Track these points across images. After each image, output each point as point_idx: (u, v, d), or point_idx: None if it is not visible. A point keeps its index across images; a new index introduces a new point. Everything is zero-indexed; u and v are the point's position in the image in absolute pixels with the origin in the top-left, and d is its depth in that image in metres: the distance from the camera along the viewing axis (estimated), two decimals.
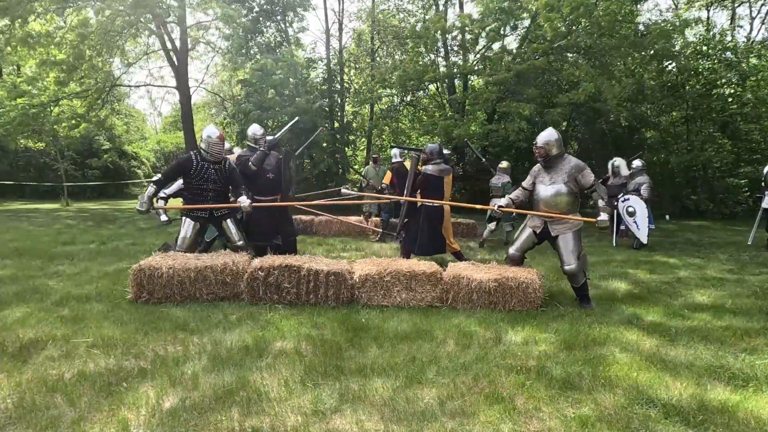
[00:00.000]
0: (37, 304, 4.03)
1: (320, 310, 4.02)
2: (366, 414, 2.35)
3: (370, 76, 17.53)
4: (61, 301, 4.11)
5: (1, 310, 3.81)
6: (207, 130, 4.85)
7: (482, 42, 14.77)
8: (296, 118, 7.46)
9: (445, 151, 6.54)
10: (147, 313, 3.79)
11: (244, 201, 4.77)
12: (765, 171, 8.49)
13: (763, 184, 8.64)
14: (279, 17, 17.56)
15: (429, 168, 5.75)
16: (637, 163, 8.50)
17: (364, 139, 19.71)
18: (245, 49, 17.11)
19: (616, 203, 7.47)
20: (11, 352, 2.98)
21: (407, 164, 7.64)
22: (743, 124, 15.28)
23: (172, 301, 4.12)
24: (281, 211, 5.51)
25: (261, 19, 17.25)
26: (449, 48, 16.47)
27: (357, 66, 20.08)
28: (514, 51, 14.53)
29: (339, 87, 17.71)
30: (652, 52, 13.61)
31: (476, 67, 14.93)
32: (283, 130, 5.99)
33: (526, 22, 14.64)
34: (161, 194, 5.73)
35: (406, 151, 8.21)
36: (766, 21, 19.63)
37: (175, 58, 16.63)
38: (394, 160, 8.13)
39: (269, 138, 5.47)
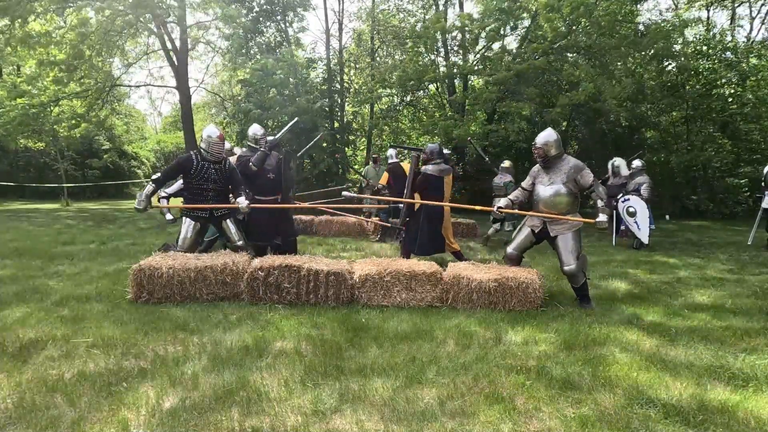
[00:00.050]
0: (37, 304, 4.03)
1: (320, 310, 4.02)
2: (366, 414, 2.35)
3: (370, 76, 17.53)
4: (61, 301, 4.11)
5: (1, 310, 3.81)
6: (207, 130, 4.85)
7: (482, 42, 14.77)
8: (296, 119, 7.46)
9: (445, 151, 6.54)
10: (147, 313, 3.79)
11: (242, 202, 4.77)
12: (765, 171, 8.49)
13: (763, 184, 8.64)
14: (279, 17, 17.57)
15: (429, 168, 5.75)
16: (637, 163, 8.50)
17: (364, 139, 19.73)
18: (245, 49, 17.12)
19: (615, 203, 7.46)
20: (11, 352, 2.98)
21: (404, 165, 7.66)
22: (743, 124, 15.28)
23: (172, 301, 4.12)
24: (282, 211, 5.51)
25: (261, 19, 17.26)
26: (449, 48, 16.47)
27: (357, 66, 20.09)
28: (514, 51, 14.53)
29: (339, 87, 17.72)
30: (652, 52, 13.62)
31: (476, 67, 14.92)
32: (283, 131, 5.99)
33: (526, 22, 14.65)
34: (163, 193, 5.75)
35: (406, 151, 8.21)
36: (766, 21, 19.64)
37: (175, 58, 16.62)
38: (390, 161, 8.15)
39: (270, 138, 5.47)
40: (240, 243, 4.93)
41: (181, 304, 4.09)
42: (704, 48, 15.07)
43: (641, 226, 7.04)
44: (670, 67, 15.03)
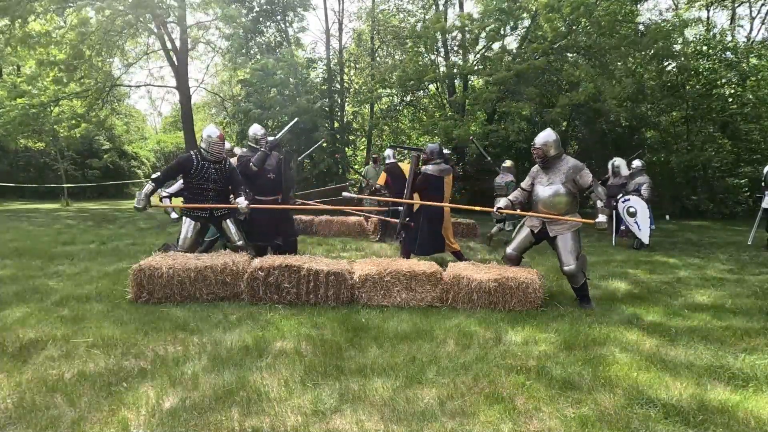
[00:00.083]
0: (37, 304, 4.03)
1: (320, 310, 4.02)
2: (366, 414, 2.35)
3: (370, 76, 17.53)
4: (61, 301, 4.11)
5: (1, 310, 3.81)
6: (207, 130, 4.86)
7: (482, 42, 14.77)
8: (296, 119, 7.46)
9: (445, 151, 6.54)
10: (147, 313, 3.79)
11: (241, 202, 4.77)
12: (765, 171, 8.49)
13: (763, 184, 8.64)
14: (279, 17, 17.58)
15: (429, 168, 5.75)
16: (636, 163, 8.50)
17: (364, 139, 19.73)
18: (245, 49, 17.12)
19: (615, 203, 7.46)
20: (11, 352, 2.99)
21: (403, 165, 7.65)
22: (743, 124, 15.27)
23: (172, 301, 4.12)
24: (282, 211, 5.51)
25: (261, 19, 17.27)
26: (449, 48, 16.47)
27: (357, 66, 20.09)
28: (514, 51, 14.53)
29: (339, 87, 17.72)
30: (652, 52, 13.61)
31: (476, 67, 14.92)
32: (283, 131, 5.99)
33: (526, 22, 14.65)
34: (164, 193, 5.76)
35: (406, 151, 8.22)
36: (766, 21, 19.64)
37: (175, 58, 16.62)
38: (387, 161, 8.15)
39: (270, 138, 5.47)
40: (240, 243, 4.93)
41: (181, 304, 4.09)
42: (704, 48, 15.07)
43: (642, 226, 7.04)
44: (670, 67, 15.03)
